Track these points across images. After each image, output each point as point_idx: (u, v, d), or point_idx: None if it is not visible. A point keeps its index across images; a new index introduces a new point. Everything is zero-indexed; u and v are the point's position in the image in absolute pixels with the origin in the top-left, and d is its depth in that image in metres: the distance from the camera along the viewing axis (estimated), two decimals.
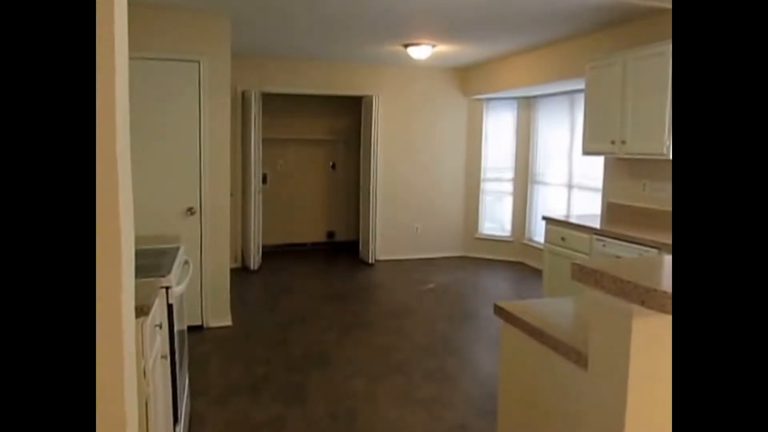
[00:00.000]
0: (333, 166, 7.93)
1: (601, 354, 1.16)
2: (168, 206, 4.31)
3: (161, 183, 4.27)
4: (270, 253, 7.35)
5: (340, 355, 3.91)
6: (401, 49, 5.70)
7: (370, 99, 6.79)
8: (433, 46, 5.53)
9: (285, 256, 7.33)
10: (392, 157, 7.10)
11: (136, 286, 1.94)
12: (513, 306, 1.76)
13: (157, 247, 2.75)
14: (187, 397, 2.76)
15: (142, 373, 1.73)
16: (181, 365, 2.42)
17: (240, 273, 6.42)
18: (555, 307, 1.78)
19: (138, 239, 3.08)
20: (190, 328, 4.40)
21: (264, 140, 7.21)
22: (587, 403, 1.21)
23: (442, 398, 3.25)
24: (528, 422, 1.66)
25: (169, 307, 2.12)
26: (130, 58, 4.37)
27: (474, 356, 4.01)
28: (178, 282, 2.30)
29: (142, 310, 1.69)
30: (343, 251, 7.67)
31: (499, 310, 1.79)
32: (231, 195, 6.27)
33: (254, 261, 6.57)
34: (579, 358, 1.33)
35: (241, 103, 6.45)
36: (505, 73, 6.33)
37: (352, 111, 7.60)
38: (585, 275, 1.12)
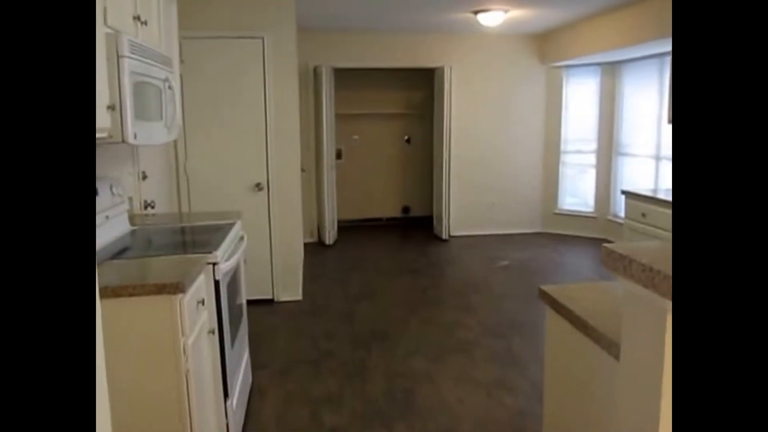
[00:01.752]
0: (408, 141, 7.82)
1: (633, 353, 1.01)
2: (236, 183, 4.42)
3: (229, 160, 4.38)
4: (346, 228, 7.44)
5: (404, 332, 3.87)
6: (471, 16, 5.44)
7: (441, 70, 6.59)
8: (506, 11, 5.22)
9: (360, 231, 7.38)
10: (466, 130, 6.88)
11: (180, 263, 1.99)
12: (558, 291, 1.61)
13: (212, 223, 2.82)
14: (245, 369, 2.83)
15: (181, 350, 1.77)
16: (234, 340, 2.47)
17: (315, 247, 6.55)
18: (607, 292, 1.61)
19: (199, 215, 3.17)
20: (261, 302, 4.55)
21: (338, 115, 7.26)
22: (620, 398, 1.07)
23: (505, 381, 3.13)
24: (571, 413, 1.53)
25: (216, 283, 2.15)
26: (196, 38, 4.46)
27: (542, 339, 3.82)
28: (228, 257, 2.33)
29: (177, 288, 1.71)
30: (418, 226, 7.60)
31: (543, 295, 1.65)
32: (303, 170, 6.38)
33: (329, 236, 6.67)
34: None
35: (313, 79, 6.48)
36: (587, 38, 5.89)
37: (427, 84, 7.43)
38: (614, 261, 0.97)
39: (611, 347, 1.26)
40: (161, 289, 1.71)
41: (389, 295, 4.71)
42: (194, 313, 1.90)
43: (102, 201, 2.44)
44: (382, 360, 3.43)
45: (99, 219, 2.35)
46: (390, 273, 5.42)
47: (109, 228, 2.49)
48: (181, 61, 4.18)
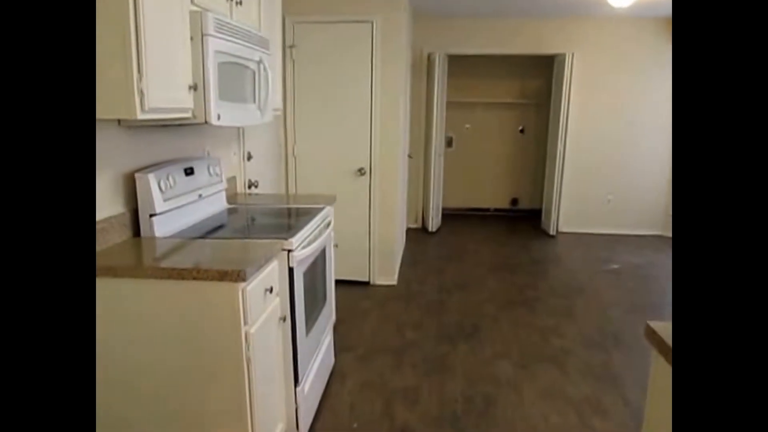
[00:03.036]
0: (522, 131, 7.45)
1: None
2: (340, 166, 4.45)
3: (334, 144, 4.41)
4: (451, 215, 7.29)
5: (494, 331, 3.68)
6: None
7: (562, 57, 6.14)
8: None
9: (465, 220, 7.20)
10: (585, 121, 6.38)
11: (255, 247, 1.99)
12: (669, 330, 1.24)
13: (303, 206, 2.83)
14: (324, 354, 2.83)
15: (242, 338, 1.77)
16: (311, 326, 2.47)
17: (418, 233, 6.49)
18: None
19: (294, 198, 3.20)
20: (356, 283, 4.59)
21: (451, 103, 7.08)
22: None
23: (599, 402, 2.85)
24: None
25: (290, 270, 2.14)
26: (306, 22, 4.49)
27: (647, 356, 3.45)
28: (308, 243, 2.32)
29: (239, 276, 1.71)
30: (526, 220, 7.25)
31: (650, 335, 1.26)
32: (410, 157, 6.32)
33: (433, 223, 6.58)
34: None
35: (427, 65, 6.35)
36: None
37: (546, 72, 6.99)
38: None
39: None
40: (223, 276, 1.71)
41: (484, 290, 4.53)
42: (260, 300, 1.90)
43: (198, 180, 2.53)
44: (466, 359, 3.29)
45: (191, 197, 2.44)
46: (489, 266, 5.21)
47: (205, 206, 2.58)
48: (293, 45, 4.26)
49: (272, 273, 2.03)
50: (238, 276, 1.71)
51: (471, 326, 3.77)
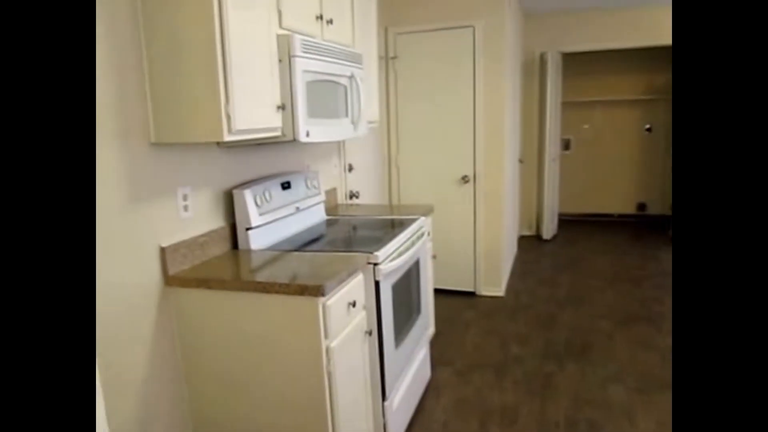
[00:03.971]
0: (648, 129, 6.87)
1: None
2: (443, 175, 4.40)
3: (437, 152, 4.38)
4: (569, 222, 6.92)
5: (608, 351, 3.41)
6: None
7: None
8: None
9: (585, 227, 6.78)
10: None
11: (342, 260, 2.02)
12: None
13: (398, 217, 2.82)
14: (418, 368, 2.79)
15: (323, 353, 1.79)
16: (401, 340, 2.44)
17: (531, 241, 6.23)
18: None
19: (391, 208, 3.21)
20: (461, 294, 4.50)
21: (568, 104, 6.73)
22: None
23: None
24: None
25: (377, 283, 2.13)
26: (407, 32, 4.51)
27: None
28: (397, 256, 2.30)
29: (318, 291, 1.73)
30: (655, 227, 6.66)
31: None
32: (521, 161, 6.09)
33: (547, 230, 6.28)
34: None
35: (540, 66, 6.09)
36: None
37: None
38: None
39: None
40: (303, 291, 1.74)
41: (600, 304, 4.21)
42: (343, 314, 1.91)
43: (295, 193, 2.62)
44: (574, 380, 3.07)
45: (288, 210, 2.53)
46: (607, 278, 4.85)
47: (302, 218, 2.67)
48: (395, 57, 4.30)
49: (357, 286, 2.03)
50: (318, 291, 1.73)
51: (582, 344, 3.53)
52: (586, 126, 7.02)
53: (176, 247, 1.99)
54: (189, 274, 1.96)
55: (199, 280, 1.91)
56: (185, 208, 2.07)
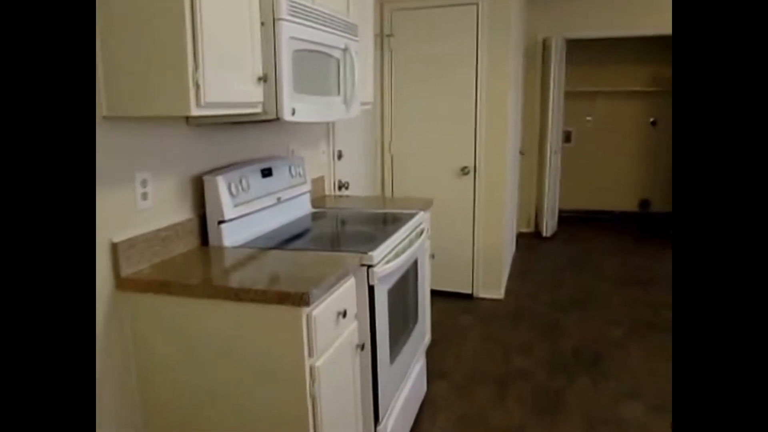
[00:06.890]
0: (653, 123, 6.60)
1: None
2: (441, 165, 4.08)
3: (435, 140, 4.05)
4: (569, 218, 6.64)
5: (622, 363, 3.11)
6: None
7: None
8: None
9: (586, 224, 6.50)
10: None
11: (329, 261, 1.68)
12: None
13: (391, 211, 2.50)
14: (414, 383, 2.47)
15: (306, 372, 1.46)
16: (396, 354, 2.12)
17: (530, 239, 5.94)
18: None
19: (385, 201, 2.88)
20: (457, 296, 4.18)
21: (570, 93, 6.43)
22: None
23: None
24: None
25: (370, 288, 1.81)
26: (405, 9, 4.13)
27: None
28: (393, 257, 1.98)
29: (302, 299, 1.40)
30: (660, 225, 6.40)
31: None
32: (522, 153, 5.77)
33: (547, 227, 5.99)
34: None
35: (542, 52, 5.77)
36: None
37: None
38: None
39: None
40: (284, 299, 1.41)
41: (608, 309, 3.92)
42: (330, 326, 1.58)
43: (277, 182, 2.28)
44: (585, 396, 2.77)
45: (268, 201, 2.20)
46: (614, 280, 4.56)
47: (285, 211, 2.34)
48: (390, 35, 3.96)
49: (347, 293, 1.71)
50: (301, 299, 1.40)
51: (592, 354, 3.23)
52: (588, 118, 6.73)
53: (131, 242, 1.65)
54: (147, 275, 1.62)
55: (159, 283, 1.57)
56: (144, 196, 1.73)
